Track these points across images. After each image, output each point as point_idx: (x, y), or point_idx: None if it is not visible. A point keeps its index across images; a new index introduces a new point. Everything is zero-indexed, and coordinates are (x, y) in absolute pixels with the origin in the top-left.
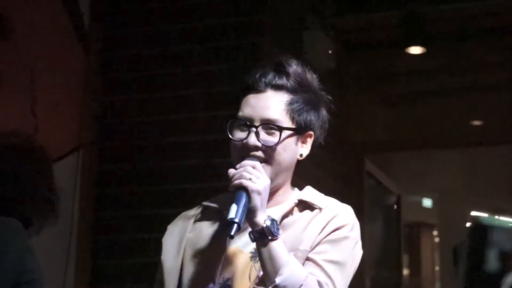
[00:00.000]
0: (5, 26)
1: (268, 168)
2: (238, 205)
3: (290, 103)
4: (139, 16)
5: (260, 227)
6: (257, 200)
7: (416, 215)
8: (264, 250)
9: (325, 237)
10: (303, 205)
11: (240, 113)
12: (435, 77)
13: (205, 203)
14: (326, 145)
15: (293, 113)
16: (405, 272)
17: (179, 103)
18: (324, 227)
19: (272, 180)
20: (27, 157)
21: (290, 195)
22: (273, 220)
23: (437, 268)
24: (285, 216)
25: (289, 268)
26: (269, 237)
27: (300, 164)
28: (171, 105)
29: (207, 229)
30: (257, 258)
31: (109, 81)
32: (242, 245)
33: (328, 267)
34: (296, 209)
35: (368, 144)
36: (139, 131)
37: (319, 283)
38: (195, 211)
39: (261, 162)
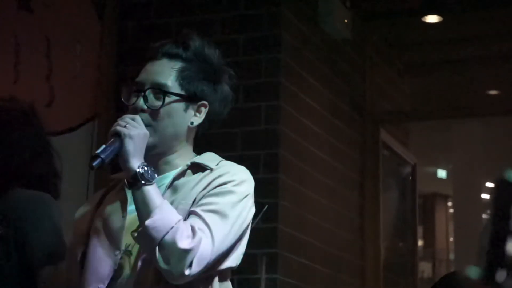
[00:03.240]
0: None
1: (152, 131)
2: (107, 145)
3: (182, 71)
4: None
5: (134, 172)
6: (129, 145)
7: (431, 186)
8: (138, 194)
9: (209, 191)
10: (197, 168)
11: (136, 79)
12: (452, 47)
13: (112, 175)
14: (342, 115)
15: (183, 81)
16: (420, 242)
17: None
18: (209, 183)
19: (158, 144)
20: (25, 125)
21: (188, 161)
22: (147, 167)
23: (451, 238)
24: (176, 178)
25: (160, 211)
26: (142, 182)
27: (314, 133)
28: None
29: (112, 199)
30: None
31: (125, 51)
32: None
33: (207, 216)
34: (189, 172)
35: (384, 114)
36: None
37: (193, 228)
38: (106, 188)
39: (146, 126)
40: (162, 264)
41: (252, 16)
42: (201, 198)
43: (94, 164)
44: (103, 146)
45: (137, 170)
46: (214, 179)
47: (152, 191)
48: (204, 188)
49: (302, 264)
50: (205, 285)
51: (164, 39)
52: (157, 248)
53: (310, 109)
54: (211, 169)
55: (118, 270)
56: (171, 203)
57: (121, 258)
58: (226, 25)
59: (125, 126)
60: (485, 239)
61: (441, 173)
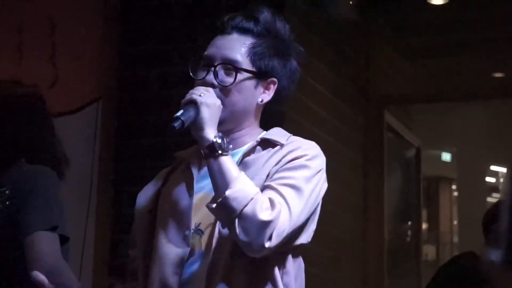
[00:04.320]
0: None
1: (222, 107)
2: (184, 109)
3: (253, 47)
4: None
5: (210, 142)
6: (205, 112)
7: (435, 169)
8: (214, 165)
9: (282, 166)
10: (266, 144)
11: (205, 53)
12: (457, 29)
13: (176, 153)
14: (347, 97)
15: (254, 57)
16: (424, 225)
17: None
18: (281, 159)
19: (228, 119)
20: (31, 109)
21: (257, 137)
22: (223, 137)
23: (455, 222)
24: (246, 154)
25: (240, 182)
26: (219, 151)
27: (318, 116)
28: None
29: (178, 179)
30: None
31: (129, 32)
32: (209, 190)
33: (283, 189)
34: (259, 148)
35: (388, 96)
36: (161, 82)
37: (271, 200)
38: (170, 166)
39: None
40: (242, 237)
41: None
42: (274, 173)
43: (175, 125)
44: (181, 110)
45: (214, 139)
46: (286, 154)
47: (229, 162)
48: (277, 163)
49: (304, 246)
50: (279, 261)
51: (169, 20)
52: (236, 220)
53: (314, 91)
54: (282, 145)
55: (190, 251)
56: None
57: (192, 237)
58: (229, 9)
59: (200, 96)
60: (504, 224)
61: (446, 156)
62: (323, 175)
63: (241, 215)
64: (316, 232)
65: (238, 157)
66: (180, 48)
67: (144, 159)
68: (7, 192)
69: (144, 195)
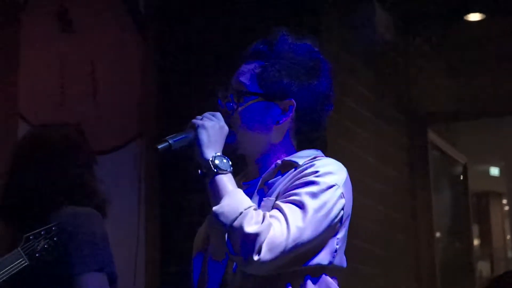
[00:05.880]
0: (69, 20)
1: (236, 132)
2: (183, 133)
3: (263, 69)
4: (194, 2)
5: (206, 161)
6: (202, 134)
7: (483, 184)
8: (210, 183)
9: (291, 184)
10: (287, 166)
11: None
12: (496, 44)
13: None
14: (390, 117)
15: (263, 79)
16: (476, 242)
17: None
18: (292, 178)
19: (241, 143)
20: (76, 151)
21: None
22: (224, 157)
23: (508, 236)
24: (265, 178)
25: (230, 197)
26: (215, 170)
27: (362, 138)
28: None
29: None
30: None
31: (168, 68)
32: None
33: (285, 205)
34: (280, 171)
35: (431, 115)
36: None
37: (264, 215)
38: None
39: (229, 127)
40: (231, 251)
41: (293, 25)
42: (283, 193)
43: (159, 146)
44: (175, 134)
45: (211, 159)
46: (298, 173)
47: (226, 180)
48: (287, 183)
49: (355, 268)
50: (295, 282)
51: (204, 54)
52: (226, 235)
53: (356, 113)
54: (298, 165)
55: (225, 275)
56: (260, 203)
57: (228, 262)
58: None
59: (201, 119)
60: None
61: (494, 171)
62: (336, 191)
63: (230, 230)
64: (368, 253)
65: (260, 182)
66: (220, 81)
67: (189, 193)
68: (53, 228)
69: (198, 236)
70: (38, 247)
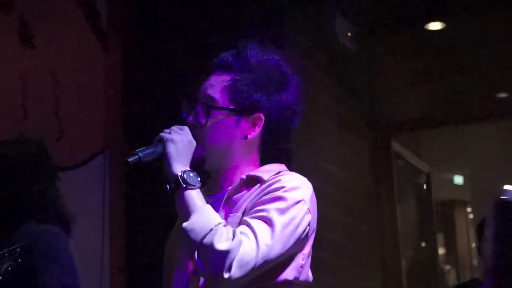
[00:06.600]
0: (30, 35)
1: (203, 147)
2: (152, 146)
3: (232, 83)
4: (159, 12)
5: (175, 176)
6: (171, 148)
7: (448, 192)
8: (179, 198)
9: (258, 200)
10: (252, 181)
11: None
12: (457, 52)
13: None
14: (354, 128)
15: (233, 93)
16: (442, 250)
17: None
18: (259, 193)
19: (209, 158)
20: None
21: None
22: (192, 172)
23: (473, 245)
24: (230, 193)
25: (200, 213)
26: (184, 185)
27: (326, 149)
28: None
29: None
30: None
31: (132, 80)
32: None
33: (254, 222)
34: (244, 186)
35: (395, 124)
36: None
37: (234, 232)
38: None
39: (197, 142)
40: (201, 268)
41: (254, 36)
42: (250, 209)
43: (130, 159)
44: (144, 147)
45: (179, 174)
46: (265, 188)
47: (194, 195)
48: (253, 198)
49: (321, 281)
50: None
51: (170, 65)
52: (196, 252)
53: (319, 125)
54: (263, 181)
55: None
56: (227, 219)
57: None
58: (228, 48)
59: (169, 133)
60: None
61: (458, 179)
62: (303, 206)
63: (200, 246)
64: (335, 265)
65: (225, 197)
66: (185, 92)
67: (156, 206)
68: (18, 249)
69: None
70: (2, 269)
